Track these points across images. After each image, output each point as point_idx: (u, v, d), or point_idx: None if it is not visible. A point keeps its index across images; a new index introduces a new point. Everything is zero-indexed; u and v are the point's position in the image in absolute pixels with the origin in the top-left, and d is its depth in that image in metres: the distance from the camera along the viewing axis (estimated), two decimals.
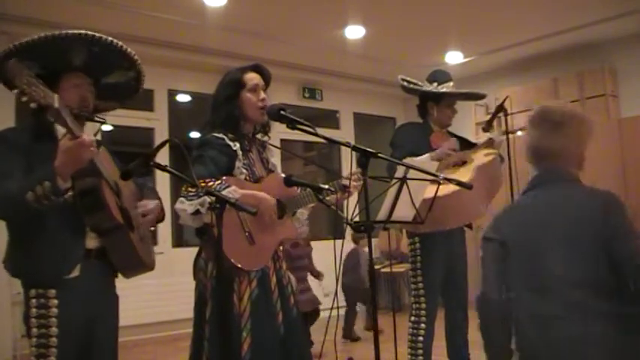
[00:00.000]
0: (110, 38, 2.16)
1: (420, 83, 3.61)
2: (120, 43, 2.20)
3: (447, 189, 2.85)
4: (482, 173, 3.28)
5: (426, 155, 3.33)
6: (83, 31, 2.10)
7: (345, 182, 2.60)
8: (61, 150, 1.89)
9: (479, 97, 3.84)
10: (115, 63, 2.25)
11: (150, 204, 2.31)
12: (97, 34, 2.12)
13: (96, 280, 2.14)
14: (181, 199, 2.36)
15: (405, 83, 3.61)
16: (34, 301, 2.03)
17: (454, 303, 3.62)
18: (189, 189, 2.35)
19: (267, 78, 2.71)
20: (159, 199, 2.41)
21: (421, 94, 3.62)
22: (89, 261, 2.11)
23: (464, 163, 3.42)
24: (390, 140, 3.57)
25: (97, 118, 2.25)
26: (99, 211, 2.04)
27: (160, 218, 2.41)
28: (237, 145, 2.55)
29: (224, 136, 2.54)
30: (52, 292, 2.03)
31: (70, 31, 2.08)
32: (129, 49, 2.24)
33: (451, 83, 3.56)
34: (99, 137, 2.39)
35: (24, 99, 1.79)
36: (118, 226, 2.10)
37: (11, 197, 1.92)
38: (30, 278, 2.07)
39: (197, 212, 2.32)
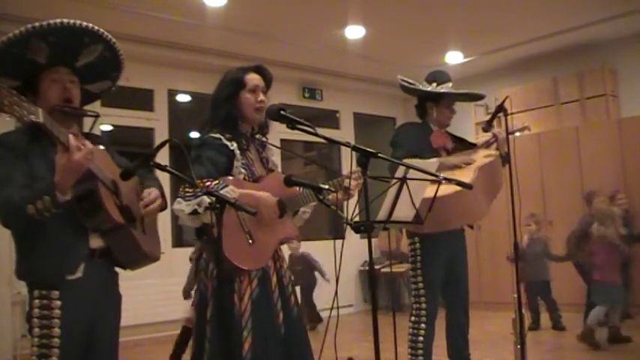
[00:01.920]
0: (57, 21, 2.06)
1: (417, 84, 3.61)
2: (69, 21, 2.09)
3: (449, 189, 2.85)
4: (483, 174, 3.29)
5: (434, 160, 3.31)
6: (29, 26, 2.01)
7: (346, 184, 2.60)
8: (58, 166, 1.89)
9: (478, 97, 3.84)
10: (76, 42, 2.17)
11: (153, 192, 2.30)
12: (39, 24, 2.03)
13: (99, 280, 2.14)
14: (179, 199, 2.36)
15: (405, 83, 3.61)
16: (37, 301, 2.03)
17: (455, 303, 3.62)
18: (187, 189, 2.34)
19: (268, 79, 2.71)
20: (161, 187, 2.40)
21: (420, 94, 3.63)
22: (93, 261, 2.11)
23: (467, 164, 3.42)
24: (391, 140, 3.57)
25: (89, 114, 2.24)
26: (97, 214, 2.04)
27: (163, 206, 2.41)
28: (235, 144, 2.54)
29: (221, 137, 2.53)
30: (56, 293, 2.03)
31: (15, 33, 2.01)
32: (80, 23, 2.12)
33: (450, 84, 3.57)
34: (97, 132, 2.37)
35: (7, 118, 1.77)
36: (118, 226, 2.10)
37: (13, 207, 1.92)
38: (34, 279, 2.07)
39: (195, 212, 2.32)
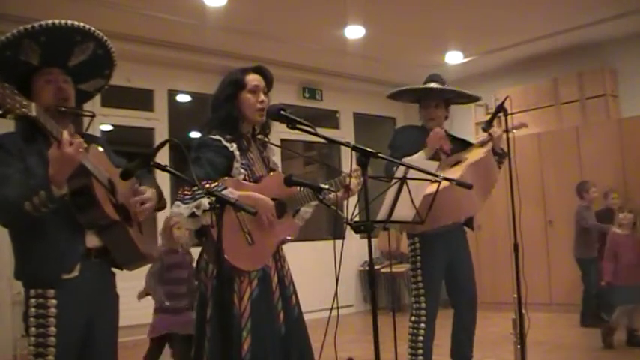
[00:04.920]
0: (49, 22, 2.05)
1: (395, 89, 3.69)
2: (61, 21, 2.08)
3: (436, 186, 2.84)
4: (474, 170, 3.29)
5: (420, 153, 3.35)
6: (20, 28, 2.02)
7: (347, 182, 2.60)
8: (51, 158, 1.89)
9: (470, 98, 3.83)
10: (67, 41, 2.16)
11: (147, 192, 2.28)
12: (30, 26, 2.02)
13: (96, 280, 2.14)
14: (177, 202, 2.36)
15: (390, 91, 3.70)
16: (33, 300, 2.03)
17: (461, 302, 3.62)
18: (185, 192, 2.34)
19: (268, 80, 2.71)
20: (159, 189, 2.40)
21: (391, 97, 3.72)
22: (89, 260, 2.11)
23: (458, 162, 3.43)
24: (389, 143, 3.59)
25: (85, 113, 2.23)
26: (91, 209, 2.04)
27: (161, 206, 2.41)
28: (235, 145, 2.55)
29: (221, 138, 2.53)
30: (51, 292, 2.03)
31: (7, 36, 2.01)
32: (71, 22, 2.11)
33: (433, 84, 3.57)
34: (96, 133, 2.37)
35: (10, 117, 1.77)
36: (113, 222, 2.10)
37: (10, 206, 1.93)
38: (30, 278, 2.07)
39: (193, 215, 2.32)
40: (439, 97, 3.62)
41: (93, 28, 2.19)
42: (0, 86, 1.76)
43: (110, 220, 2.08)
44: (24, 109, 1.80)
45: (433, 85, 3.57)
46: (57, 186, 1.90)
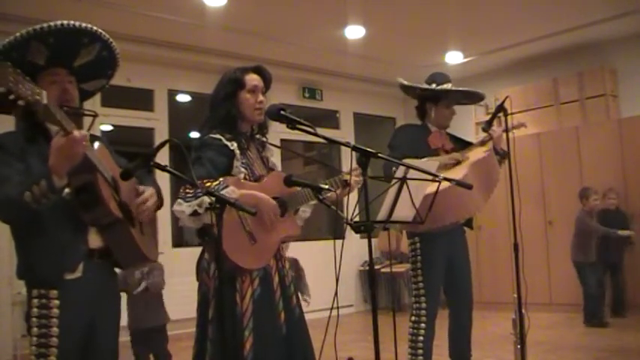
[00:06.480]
0: (57, 23, 2.06)
1: (417, 84, 3.63)
2: (69, 23, 2.09)
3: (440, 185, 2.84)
4: (476, 169, 3.29)
5: (425, 159, 3.34)
6: (29, 29, 2.02)
7: (346, 177, 2.61)
8: (54, 148, 1.88)
9: (477, 97, 3.83)
10: (75, 43, 2.17)
11: (147, 190, 2.29)
12: (39, 27, 2.03)
13: (99, 281, 2.14)
14: (179, 200, 2.35)
15: (404, 83, 3.63)
16: (35, 301, 2.03)
17: (458, 303, 3.62)
18: (187, 190, 2.34)
19: (267, 80, 2.71)
20: (159, 188, 2.40)
21: (419, 94, 3.64)
22: (92, 261, 2.11)
23: (459, 162, 3.43)
24: (388, 142, 3.58)
25: (87, 112, 2.24)
26: (96, 206, 2.03)
27: (159, 205, 2.40)
28: (235, 144, 2.55)
29: (221, 137, 2.53)
30: (54, 292, 2.03)
31: (16, 36, 2.01)
32: (80, 24, 2.12)
33: (449, 85, 3.57)
34: (97, 132, 2.37)
35: (11, 97, 1.76)
36: (117, 220, 2.10)
37: (11, 200, 1.92)
38: (32, 278, 2.07)
39: (195, 213, 2.32)
40: (452, 100, 3.63)
41: (100, 30, 2.20)
42: (13, 72, 1.75)
43: (114, 217, 2.07)
44: (36, 97, 1.80)
45: (450, 85, 3.57)
46: (57, 176, 1.90)
